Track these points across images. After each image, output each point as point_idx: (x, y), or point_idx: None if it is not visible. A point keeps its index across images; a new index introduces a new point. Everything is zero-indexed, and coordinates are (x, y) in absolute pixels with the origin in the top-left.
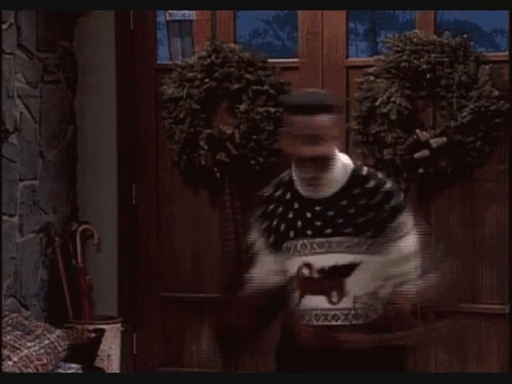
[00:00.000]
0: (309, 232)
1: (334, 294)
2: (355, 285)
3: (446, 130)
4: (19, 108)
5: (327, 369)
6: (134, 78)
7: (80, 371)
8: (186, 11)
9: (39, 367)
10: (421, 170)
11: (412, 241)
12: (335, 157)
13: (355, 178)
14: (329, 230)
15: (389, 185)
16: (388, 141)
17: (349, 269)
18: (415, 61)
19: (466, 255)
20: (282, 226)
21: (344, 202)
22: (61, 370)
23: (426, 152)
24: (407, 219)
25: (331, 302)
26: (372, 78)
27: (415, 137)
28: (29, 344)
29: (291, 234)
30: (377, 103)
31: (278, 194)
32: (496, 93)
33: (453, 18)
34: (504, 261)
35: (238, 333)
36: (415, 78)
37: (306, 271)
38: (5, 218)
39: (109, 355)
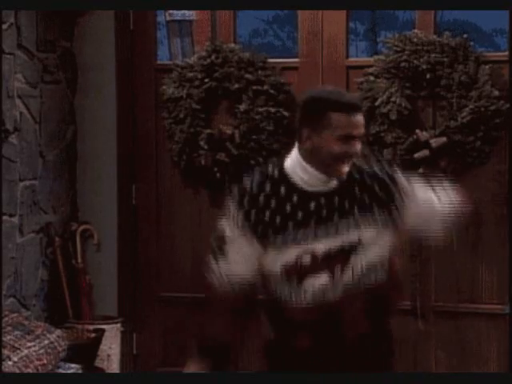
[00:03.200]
0: (312, 222)
1: (338, 268)
2: (356, 258)
3: (446, 130)
4: (19, 108)
5: (321, 356)
6: (134, 78)
7: (80, 371)
8: (186, 11)
9: (39, 367)
10: (421, 170)
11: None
12: None
13: (353, 167)
14: (335, 215)
15: (381, 166)
16: (388, 141)
17: (355, 246)
18: (415, 61)
19: (465, 255)
20: (277, 219)
21: (347, 189)
22: (61, 370)
23: (425, 152)
24: (406, 186)
25: (333, 277)
26: (372, 78)
27: (415, 137)
28: (29, 344)
29: (289, 226)
30: (377, 103)
31: (267, 187)
32: (496, 93)
33: (453, 18)
34: (504, 261)
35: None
36: (415, 77)
37: (307, 259)
38: (5, 218)
39: (109, 355)
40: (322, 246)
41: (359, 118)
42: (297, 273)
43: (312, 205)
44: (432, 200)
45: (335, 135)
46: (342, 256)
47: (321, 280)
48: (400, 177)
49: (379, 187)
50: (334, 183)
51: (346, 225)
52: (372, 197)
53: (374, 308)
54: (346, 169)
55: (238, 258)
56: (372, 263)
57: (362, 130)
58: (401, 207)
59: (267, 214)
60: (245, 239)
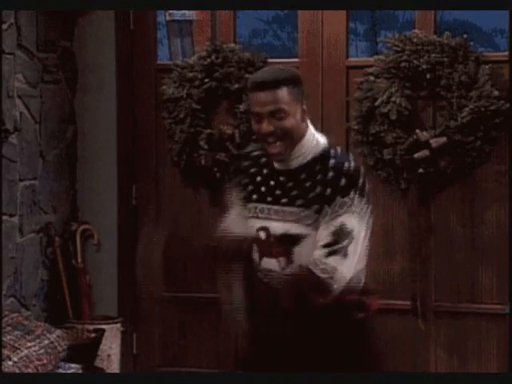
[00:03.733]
0: (268, 199)
1: (282, 260)
2: (300, 255)
3: (446, 130)
4: (19, 108)
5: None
6: (134, 78)
7: (80, 371)
8: (186, 11)
9: (39, 367)
10: (421, 170)
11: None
12: (301, 131)
13: (322, 155)
14: (284, 200)
15: (346, 164)
16: (388, 141)
17: (296, 239)
18: (415, 61)
19: (465, 255)
20: (250, 187)
21: (303, 176)
22: (61, 370)
23: (425, 152)
24: (354, 201)
25: (280, 268)
26: (372, 78)
27: (415, 137)
28: (29, 344)
29: (254, 196)
30: (377, 103)
31: (255, 154)
32: (496, 93)
33: (453, 18)
34: (504, 261)
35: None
36: (415, 77)
37: (262, 234)
38: (5, 217)
39: (109, 355)
40: (273, 226)
41: (262, 95)
42: (258, 247)
43: (272, 182)
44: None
45: (254, 114)
46: (286, 245)
47: (273, 265)
48: (356, 190)
49: (332, 184)
50: (294, 163)
51: (290, 213)
52: (322, 194)
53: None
54: (272, 149)
55: (233, 220)
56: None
57: (266, 108)
58: (324, 217)
59: (247, 179)
60: (237, 204)
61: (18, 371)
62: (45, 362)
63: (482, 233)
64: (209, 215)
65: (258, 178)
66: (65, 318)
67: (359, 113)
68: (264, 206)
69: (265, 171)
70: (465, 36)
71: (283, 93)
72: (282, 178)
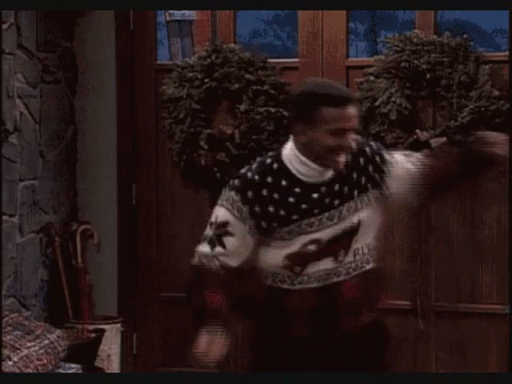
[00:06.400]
0: (316, 211)
1: (342, 252)
2: (357, 240)
3: (446, 130)
4: (19, 108)
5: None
6: (134, 78)
7: (80, 371)
8: (186, 11)
9: (39, 367)
10: None
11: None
12: None
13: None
14: (337, 201)
15: (370, 147)
16: (388, 141)
17: (356, 228)
18: (415, 61)
19: (465, 255)
20: (282, 212)
21: (345, 175)
22: (61, 370)
23: None
24: (391, 160)
25: (337, 261)
26: (372, 78)
27: (415, 137)
28: (29, 344)
29: (294, 217)
30: (377, 103)
31: (269, 180)
32: (496, 93)
33: (453, 18)
34: (504, 261)
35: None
36: (415, 77)
37: (312, 247)
38: (5, 217)
39: (109, 355)
40: (327, 233)
41: (350, 111)
42: (301, 261)
43: (315, 195)
44: (410, 165)
45: (328, 129)
46: (345, 239)
47: (325, 264)
48: (387, 153)
49: (373, 168)
50: (330, 172)
51: (347, 209)
52: (367, 178)
53: (370, 293)
54: (342, 159)
55: (237, 253)
56: (370, 244)
57: (353, 123)
58: (388, 180)
59: (271, 207)
60: (247, 234)
61: (18, 371)
62: (45, 361)
63: (482, 233)
64: (209, 215)
65: (291, 200)
66: (65, 318)
67: (359, 113)
68: (312, 219)
69: (297, 190)
70: (465, 36)
71: (356, 110)
72: (323, 188)
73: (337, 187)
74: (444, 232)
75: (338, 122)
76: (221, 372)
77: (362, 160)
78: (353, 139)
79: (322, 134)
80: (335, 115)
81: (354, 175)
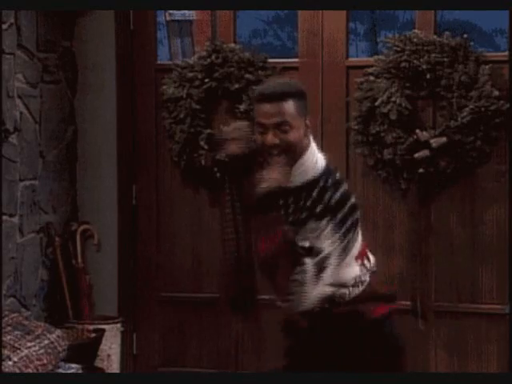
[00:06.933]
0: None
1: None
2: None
3: (446, 130)
4: (19, 108)
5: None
6: (134, 78)
7: (80, 371)
8: (186, 11)
9: (39, 367)
10: (421, 170)
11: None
12: (303, 146)
13: (320, 177)
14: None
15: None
16: (388, 141)
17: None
18: (415, 61)
19: (465, 255)
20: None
21: (303, 195)
22: (61, 370)
23: (425, 152)
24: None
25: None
26: (372, 78)
27: (415, 137)
28: (29, 344)
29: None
30: (377, 103)
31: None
32: (496, 93)
33: (453, 18)
34: (504, 261)
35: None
36: (415, 77)
37: None
38: (5, 217)
39: (109, 355)
40: None
41: (268, 107)
42: None
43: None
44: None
45: (259, 125)
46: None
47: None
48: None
49: (328, 198)
50: (297, 181)
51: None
52: (322, 204)
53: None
54: (275, 162)
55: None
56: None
57: (271, 119)
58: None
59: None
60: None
61: (18, 371)
62: (45, 362)
63: (482, 233)
64: (209, 215)
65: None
66: (65, 318)
67: (359, 113)
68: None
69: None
70: (465, 36)
71: (289, 106)
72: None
73: (290, 201)
74: (444, 232)
75: (258, 117)
76: (221, 372)
77: (330, 184)
78: (272, 139)
79: (256, 131)
80: (257, 110)
81: (314, 193)
